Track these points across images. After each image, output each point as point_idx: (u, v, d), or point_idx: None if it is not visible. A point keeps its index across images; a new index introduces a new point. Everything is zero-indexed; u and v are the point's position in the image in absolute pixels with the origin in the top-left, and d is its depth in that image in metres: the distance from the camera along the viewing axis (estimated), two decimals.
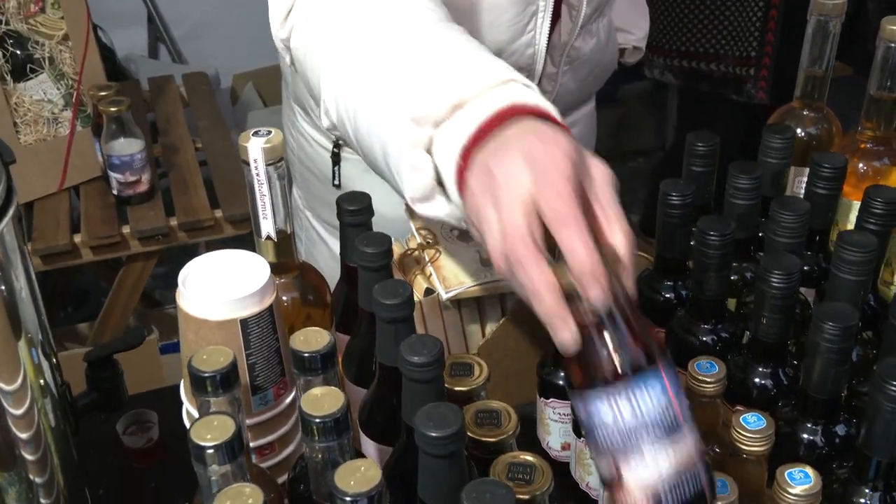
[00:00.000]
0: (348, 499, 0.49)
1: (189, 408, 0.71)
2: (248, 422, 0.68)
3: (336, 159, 1.24)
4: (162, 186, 1.79)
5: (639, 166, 3.16)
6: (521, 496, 0.68)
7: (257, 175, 0.73)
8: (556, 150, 0.66)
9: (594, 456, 0.64)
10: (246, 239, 2.17)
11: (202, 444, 0.53)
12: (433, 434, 0.57)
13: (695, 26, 2.12)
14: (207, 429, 0.54)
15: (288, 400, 0.71)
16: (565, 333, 0.62)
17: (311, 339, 0.62)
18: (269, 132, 0.74)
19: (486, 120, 0.70)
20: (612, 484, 0.62)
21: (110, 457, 0.98)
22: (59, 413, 0.75)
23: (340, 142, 1.22)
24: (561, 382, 0.88)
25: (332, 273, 0.92)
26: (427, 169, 0.73)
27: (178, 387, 0.74)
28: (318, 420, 0.55)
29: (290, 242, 0.79)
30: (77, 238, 1.65)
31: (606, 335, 0.62)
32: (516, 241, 0.64)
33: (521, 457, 0.73)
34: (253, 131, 0.74)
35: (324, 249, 1.32)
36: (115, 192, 1.68)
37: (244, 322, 0.65)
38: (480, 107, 0.71)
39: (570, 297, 0.63)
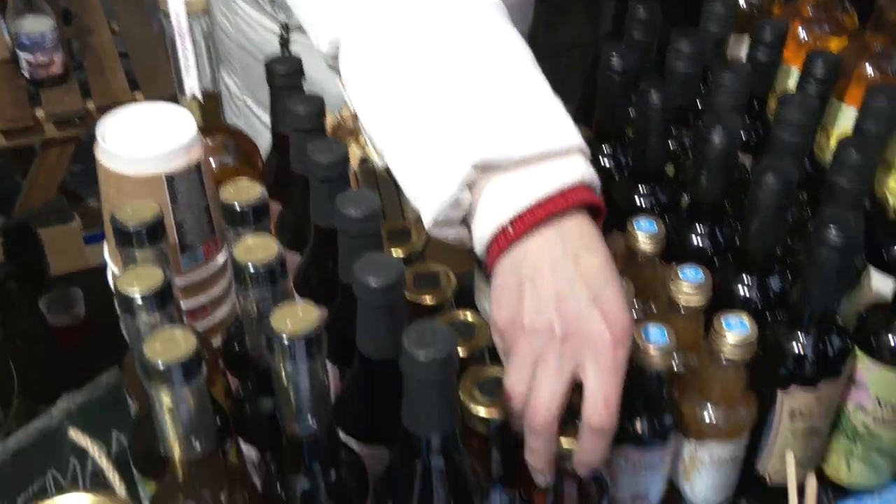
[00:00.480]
0: (285, 341, 0.48)
1: (113, 268, 0.67)
2: (179, 281, 0.65)
3: (284, 42, 1.18)
4: (80, 78, 1.70)
5: (573, 60, 3.14)
6: (462, 352, 0.68)
7: (178, 27, 0.69)
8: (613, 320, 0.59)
9: None
10: None
11: (130, 292, 0.51)
12: (373, 285, 0.55)
13: None
14: (135, 278, 0.52)
15: (220, 260, 0.68)
16: (541, 480, 0.63)
17: (242, 190, 0.59)
18: None
19: (547, 197, 0.61)
20: None
21: (36, 346, 0.95)
22: None
23: (290, 25, 1.15)
24: None
25: None
26: (464, 206, 0.64)
27: (103, 268, 0.71)
28: (251, 268, 0.53)
29: (216, 104, 0.75)
30: None
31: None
32: (542, 409, 0.59)
33: (461, 315, 0.72)
34: None
35: (266, 135, 1.27)
36: (26, 74, 1.59)
37: (170, 178, 0.62)
38: (546, 175, 0.62)
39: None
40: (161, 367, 0.47)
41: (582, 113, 2.22)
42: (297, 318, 0.48)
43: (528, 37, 0.75)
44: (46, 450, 0.69)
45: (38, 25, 1.54)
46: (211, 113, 0.75)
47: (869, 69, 0.91)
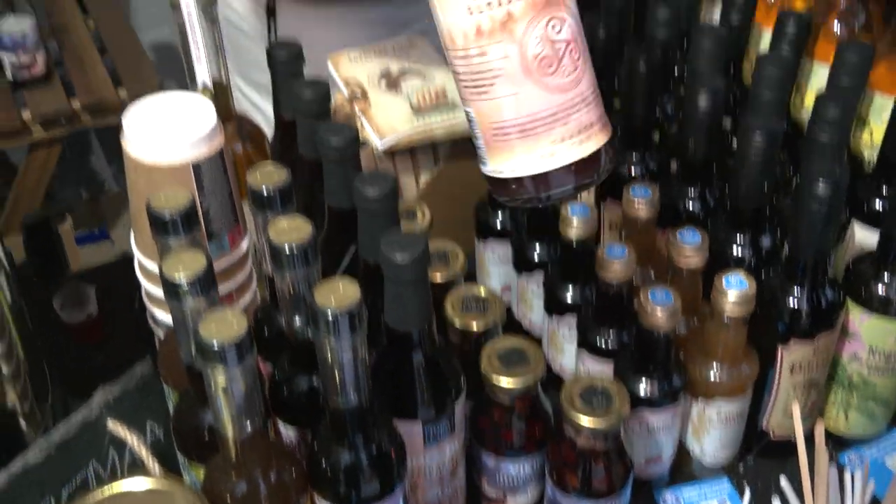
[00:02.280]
0: (330, 316, 0.51)
1: (142, 259, 0.70)
2: None
3: (271, 11, 1.20)
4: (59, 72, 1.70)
5: None
6: (478, 327, 0.71)
7: (189, 16, 0.71)
8: None
9: None
10: None
11: (176, 278, 0.54)
12: (399, 261, 0.58)
13: None
14: (179, 263, 0.54)
15: (244, 247, 0.71)
16: None
17: (267, 175, 0.62)
18: None
19: None
20: None
21: (54, 337, 0.97)
22: (13, 286, 0.73)
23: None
24: (498, 225, 0.91)
25: None
26: None
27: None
28: (288, 249, 0.56)
29: (227, 92, 0.77)
30: None
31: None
32: None
33: (474, 290, 0.75)
34: None
35: (258, 117, 1.30)
36: (8, 75, 1.59)
37: (196, 166, 0.64)
38: None
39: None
40: (216, 348, 0.49)
41: None
42: (339, 294, 0.51)
43: None
44: (88, 442, 0.72)
45: (20, 25, 1.54)
46: (222, 102, 0.77)
47: (837, 26, 0.95)
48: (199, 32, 0.71)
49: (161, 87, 1.67)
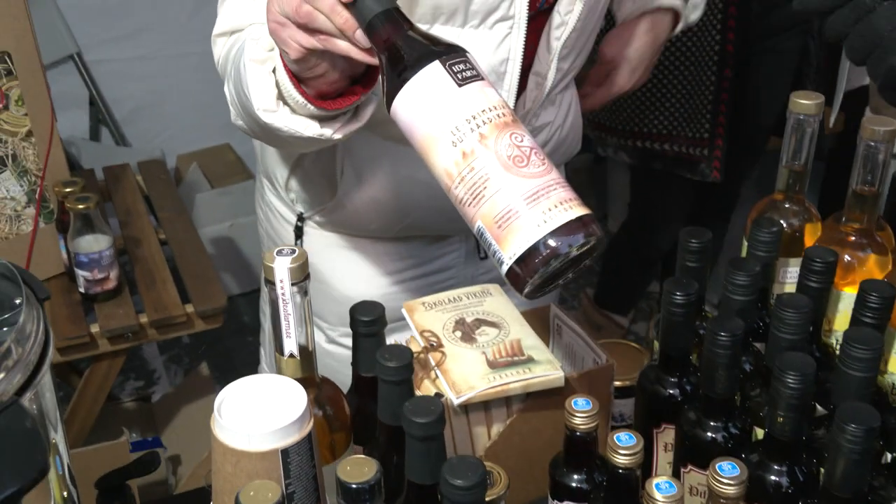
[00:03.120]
0: None
1: None
2: None
3: (299, 233, 1.26)
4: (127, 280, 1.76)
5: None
6: None
7: (283, 294, 0.73)
8: None
9: None
10: (219, 333, 2.13)
11: None
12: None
13: (647, 108, 2.19)
14: None
15: None
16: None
17: (357, 468, 0.61)
18: (293, 251, 0.74)
19: None
20: None
21: None
22: None
23: (304, 216, 1.25)
24: (574, 484, 0.89)
25: None
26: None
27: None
28: None
29: (311, 358, 0.78)
30: None
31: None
32: None
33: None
34: (277, 250, 0.74)
35: None
36: (81, 289, 1.64)
37: (285, 452, 0.64)
38: None
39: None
40: None
41: (603, 295, 2.25)
42: None
43: None
44: None
45: (97, 245, 1.61)
46: (306, 367, 0.78)
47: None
48: (291, 306, 0.73)
49: (226, 300, 1.71)
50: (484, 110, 0.73)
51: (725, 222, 2.47)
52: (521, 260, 0.72)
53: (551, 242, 0.71)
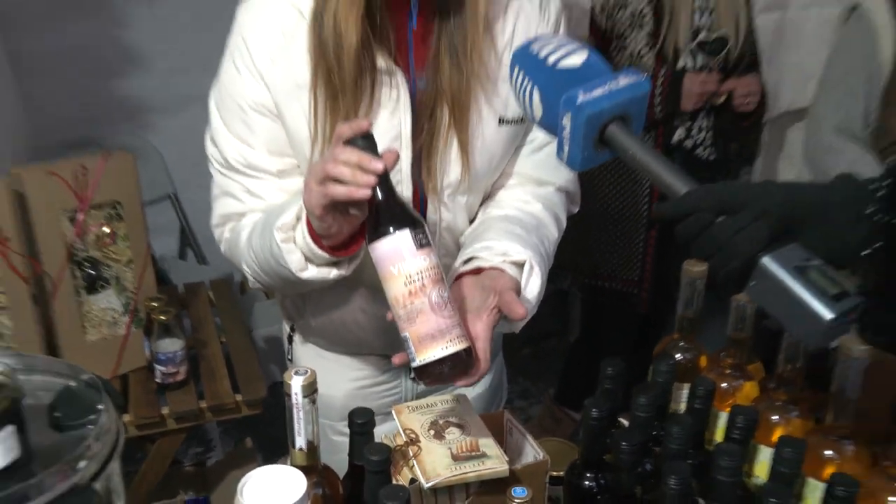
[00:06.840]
0: None
1: None
2: None
3: (290, 340, 1.31)
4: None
5: (549, 346, 3.26)
6: None
7: (296, 404, 0.78)
8: None
9: None
10: (259, 419, 2.14)
11: None
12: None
13: (596, 252, 2.27)
14: None
15: None
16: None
17: None
18: (307, 371, 0.79)
19: None
20: None
21: None
22: None
23: (294, 327, 1.29)
24: None
25: None
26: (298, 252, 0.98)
27: None
28: None
29: (316, 450, 0.82)
30: (126, 417, 1.63)
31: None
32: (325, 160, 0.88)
33: None
34: (294, 370, 0.79)
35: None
36: (157, 379, 1.68)
37: None
38: None
39: None
40: None
41: (563, 393, 2.22)
42: None
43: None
44: None
45: (173, 346, 1.65)
46: (311, 457, 0.81)
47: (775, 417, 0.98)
48: (302, 413, 0.77)
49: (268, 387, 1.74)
50: (428, 268, 0.87)
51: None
52: (424, 365, 0.88)
53: (443, 361, 0.87)
